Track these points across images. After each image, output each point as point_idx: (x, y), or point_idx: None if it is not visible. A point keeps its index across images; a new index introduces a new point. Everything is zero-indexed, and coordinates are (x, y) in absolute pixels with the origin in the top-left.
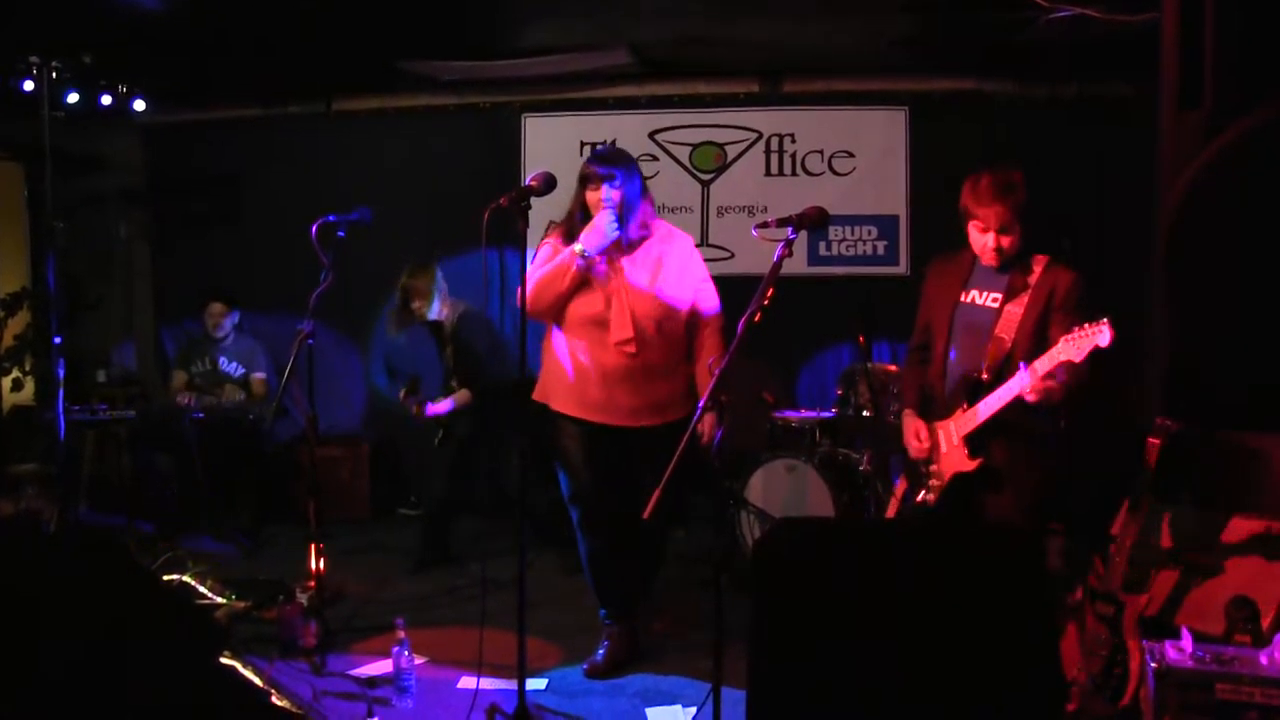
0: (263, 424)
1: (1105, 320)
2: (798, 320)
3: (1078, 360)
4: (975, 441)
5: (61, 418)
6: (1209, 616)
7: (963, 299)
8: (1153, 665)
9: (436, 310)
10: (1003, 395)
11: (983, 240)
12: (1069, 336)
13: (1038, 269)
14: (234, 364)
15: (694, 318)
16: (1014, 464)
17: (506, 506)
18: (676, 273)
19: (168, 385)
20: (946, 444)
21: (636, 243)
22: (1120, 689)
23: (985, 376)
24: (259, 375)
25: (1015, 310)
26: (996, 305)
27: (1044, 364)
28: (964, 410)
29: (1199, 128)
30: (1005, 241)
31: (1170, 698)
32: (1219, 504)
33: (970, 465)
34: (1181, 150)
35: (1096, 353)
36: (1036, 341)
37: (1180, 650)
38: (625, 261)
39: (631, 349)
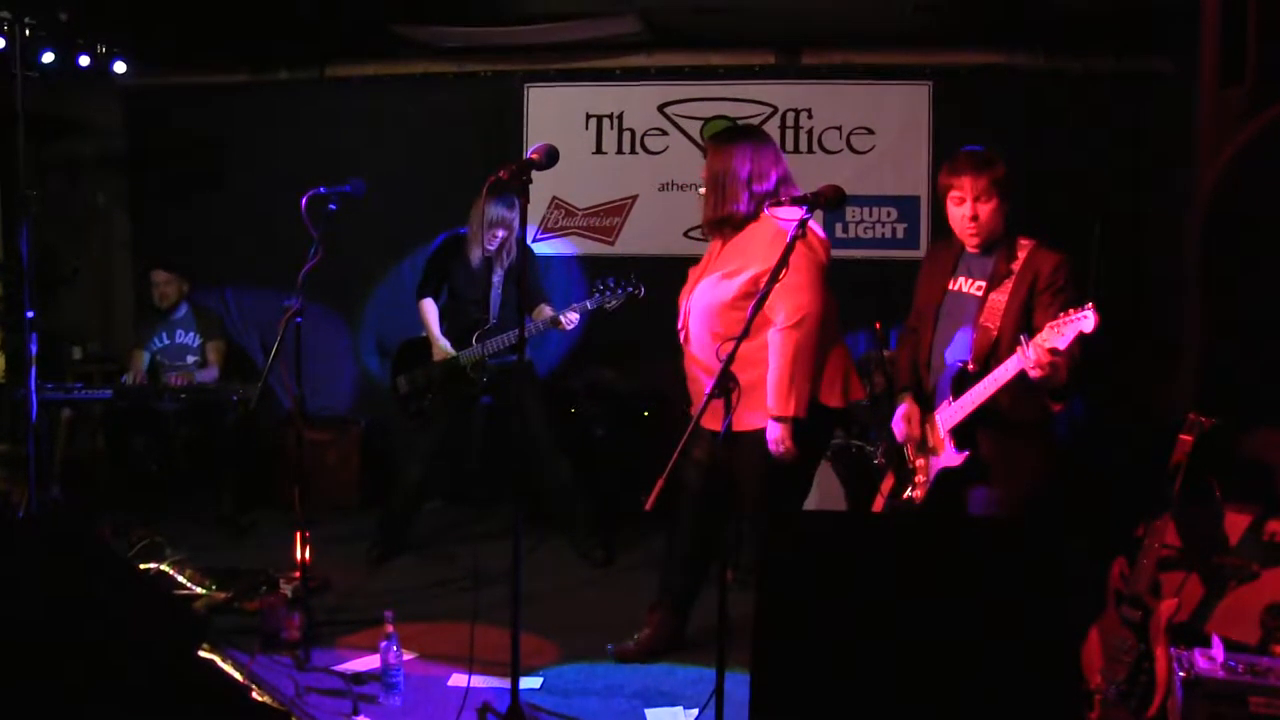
0: (247, 405)
1: (1090, 304)
2: None
3: (1062, 347)
4: (961, 435)
5: (34, 396)
6: (1242, 624)
7: (951, 287)
8: (1181, 674)
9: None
10: (1000, 376)
11: (960, 212)
12: (1054, 323)
13: (1022, 254)
14: (191, 334)
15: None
16: (1002, 455)
17: (503, 492)
18: (739, 262)
19: (130, 367)
20: (932, 439)
21: (736, 225)
22: (1146, 699)
23: (972, 368)
24: (213, 343)
25: (999, 298)
26: (980, 294)
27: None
28: (949, 403)
29: (1240, 105)
30: (983, 212)
31: (1200, 709)
32: (1255, 505)
33: (957, 460)
34: (1221, 129)
35: (1084, 339)
36: (1022, 328)
37: (1211, 659)
38: (720, 248)
39: (681, 338)
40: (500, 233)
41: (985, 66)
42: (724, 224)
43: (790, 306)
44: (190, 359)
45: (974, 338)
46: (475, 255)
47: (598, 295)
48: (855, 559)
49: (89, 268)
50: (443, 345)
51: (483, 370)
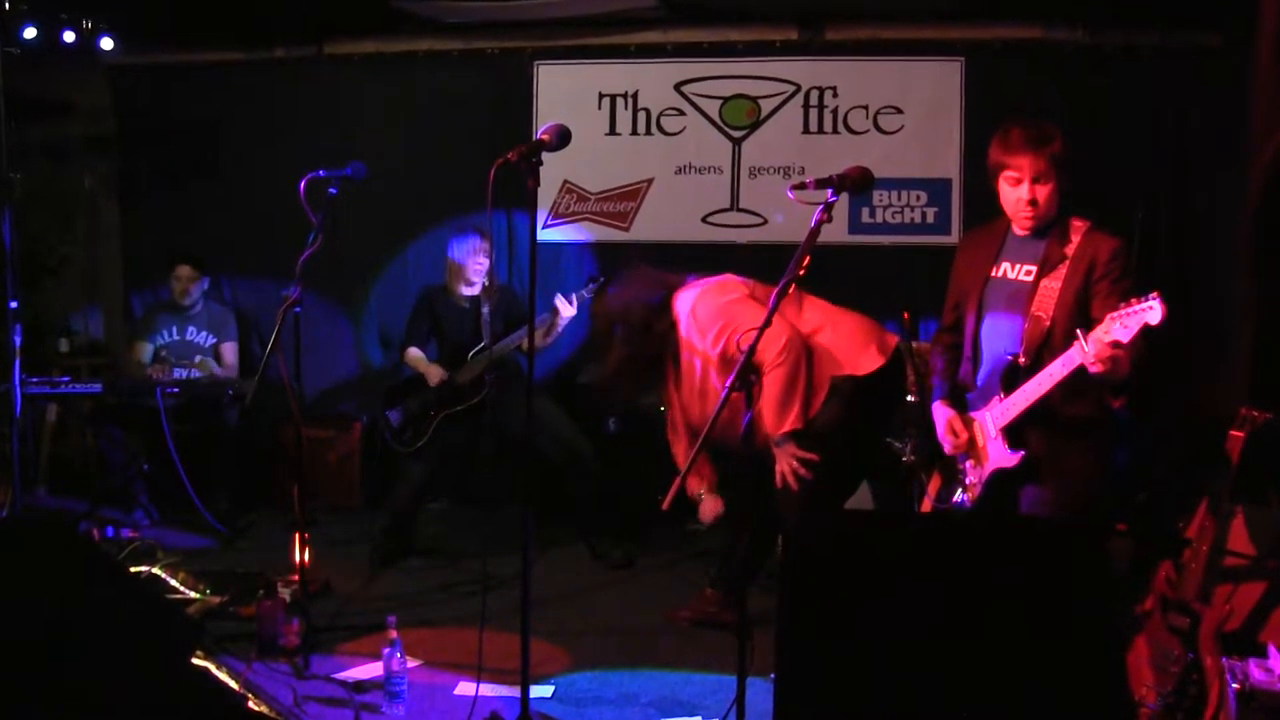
0: (243, 400)
1: (1156, 294)
2: (836, 293)
3: (1125, 340)
4: (1015, 433)
5: (18, 390)
6: None
7: (994, 273)
8: (1234, 686)
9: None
10: (1057, 371)
11: (1016, 194)
12: (1115, 314)
13: (1076, 237)
14: (204, 333)
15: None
16: (1057, 455)
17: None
18: (687, 356)
19: (128, 357)
20: (983, 438)
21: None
22: (1195, 711)
23: (1023, 361)
24: (228, 344)
25: (1052, 285)
26: (1030, 279)
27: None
28: (1001, 399)
29: None
30: (1041, 194)
31: None
32: None
33: (1012, 460)
34: (1277, 105)
35: (1148, 331)
36: (1078, 319)
37: (1267, 670)
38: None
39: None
40: (483, 260)
41: (1021, 42)
42: None
43: (768, 350)
44: (198, 359)
45: (1024, 328)
46: (462, 292)
47: (585, 290)
48: (886, 560)
49: (75, 256)
50: (436, 370)
51: (480, 384)
